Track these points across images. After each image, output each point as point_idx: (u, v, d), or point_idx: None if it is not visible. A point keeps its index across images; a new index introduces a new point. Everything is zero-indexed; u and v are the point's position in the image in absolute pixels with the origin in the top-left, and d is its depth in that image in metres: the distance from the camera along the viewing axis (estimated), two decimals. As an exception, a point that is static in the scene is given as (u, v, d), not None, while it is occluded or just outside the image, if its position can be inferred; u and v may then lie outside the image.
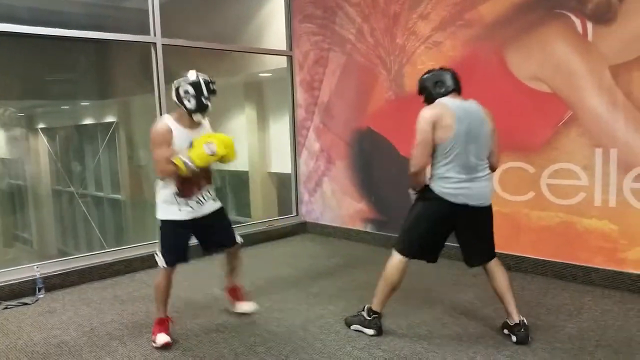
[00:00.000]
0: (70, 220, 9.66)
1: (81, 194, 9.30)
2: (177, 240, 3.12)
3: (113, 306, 3.78)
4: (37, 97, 8.68)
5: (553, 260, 4.10)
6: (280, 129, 7.02)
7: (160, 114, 4.94)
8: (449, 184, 2.88)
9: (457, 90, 3.01)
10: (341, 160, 5.61)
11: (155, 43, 4.84)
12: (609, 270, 3.82)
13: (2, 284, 4.00)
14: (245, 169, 8.25)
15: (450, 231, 3.05)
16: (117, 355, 2.99)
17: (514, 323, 2.98)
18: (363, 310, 3.18)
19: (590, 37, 3.76)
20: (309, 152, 6.04)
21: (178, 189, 3.05)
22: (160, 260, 3.09)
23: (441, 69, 3.07)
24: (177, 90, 3.01)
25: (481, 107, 2.99)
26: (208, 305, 3.74)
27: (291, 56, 6.05)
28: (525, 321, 2.99)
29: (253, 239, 5.66)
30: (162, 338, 3.07)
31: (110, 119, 8.90)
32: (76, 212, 9.32)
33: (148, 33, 4.83)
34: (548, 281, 4.04)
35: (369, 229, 5.46)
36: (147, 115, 5.13)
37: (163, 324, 3.15)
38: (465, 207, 2.90)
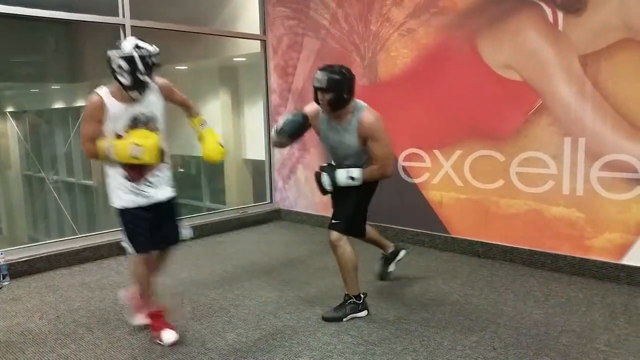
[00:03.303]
0: (41, 207, 9.46)
1: (52, 179, 9.10)
2: (141, 225, 2.85)
3: (80, 293, 3.72)
4: (4, 79, 8.42)
5: (522, 247, 4.17)
6: (254, 115, 6.96)
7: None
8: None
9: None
10: (315, 147, 5.58)
11: (124, 24, 4.72)
12: (575, 258, 3.90)
13: (-35, 271, 3.90)
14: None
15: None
16: (82, 342, 2.94)
17: (394, 247, 3.80)
18: (351, 299, 3.21)
19: (560, 26, 3.79)
20: (284, 138, 5.99)
21: (126, 172, 2.81)
22: (129, 247, 2.88)
23: (346, 69, 3.05)
24: (109, 63, 2.67)
25: None
26: (176, 292, 3.71)
27: (265, 41, 5.97)
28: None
29: (227, 226, 5.64)
30: (169, 336, 2.88)
31: (81, 102, 8.70)
32: (47, 198, 9.14)
33: (117, 14, 4.71)
34: (516, 268, 4.11)
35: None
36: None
37: (160, 317, 2.94)
38: None
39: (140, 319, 3.06)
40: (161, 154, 2.85)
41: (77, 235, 4.77)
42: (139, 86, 2.69)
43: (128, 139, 2.72)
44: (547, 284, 3.74)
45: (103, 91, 2.75)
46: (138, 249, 2.88)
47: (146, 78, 2.70)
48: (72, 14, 4.54)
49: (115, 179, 2.85)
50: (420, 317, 3.19)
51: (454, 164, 4.47)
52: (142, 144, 2.70)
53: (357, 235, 3.48)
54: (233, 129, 7.97)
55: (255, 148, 7.05)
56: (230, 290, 3.71)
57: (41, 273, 4.18)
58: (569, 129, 3.83)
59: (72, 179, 9.35)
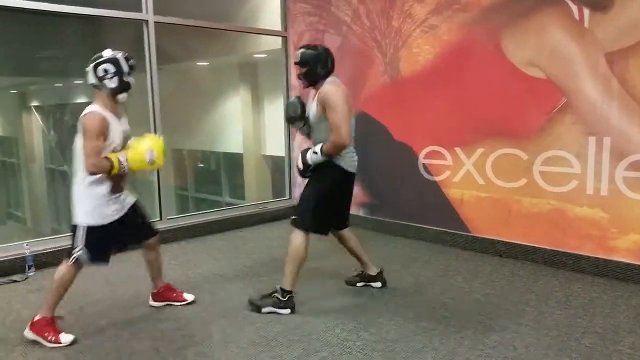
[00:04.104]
0: (65, 199, 9.62)
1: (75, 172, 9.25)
2: (106, 245, 2.94)
3: (102, 286, 3.78)
4: (30, 74, 8.57)
5: (544, 247, 4.12)
6: (274, 111, 6.98)
7: (152, 94, 4.89)
8: (351, 156, 3.24)
9: (332, 72, 3.23)
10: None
11: (147, 20, 4.77)
12: (598, 258, 3.84)
13: (-8, 261, 3.99)
14: (240, 151, 8.22)
15: (341, 201, 3.39)
16: (105, 333, 3.00)
17: (376, 272, 3.61)
18: (276, 292, 3.23)
19: (586, 23, 3.72)
20: (303, 134, 6.00)
21: (111, 185, 2.87)
22: (82, 254, 2.85)
23: (323, 47, 3.25)
24: (95, 70, 2.76)
25: None
26: (198, 286, 3.75)
27: (286, 37, 5.98)
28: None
29: (247, 221, 5.67)
30: (68, 337, 2.88)
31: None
32: (70, 191, 9.30)
33: (140, 10, 4.76)
34: (538, 268, 4.06)
35: (361, 213, 5.46)
36: (139, 94, 5.08)
37: (54, 323, 2.94)
38: (352, 176, 3.29)
39: (66, 337, 2.90)
40: None
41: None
42: (125, 88, 2.82)
43: (139, 147, 2.80)
44: (569, 284, 3.69)
45: (98, 108, 2.79)
46: (95, 261, 2.91)
47: (130, 79, 2.82)
48: (97, 9, 4.60)
49: (96, 196, 2.85)
50: (440, 316, 3.17)
51: (475, 162, 4.43)
52: (155, 148, 2.80)
53: (321, 233, 3.35)
54: (253, 125, 8.01)
55: (275, 144, 7.07)
56: (250, 285, 3.73)
57: (65, 265, 4.26)
58: (594, 127, 3.76)
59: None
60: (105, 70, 2.75)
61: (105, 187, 2.87)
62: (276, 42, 6.11)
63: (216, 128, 8.58)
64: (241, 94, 8.07)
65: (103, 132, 2.75)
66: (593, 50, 3.70)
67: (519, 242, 4.26)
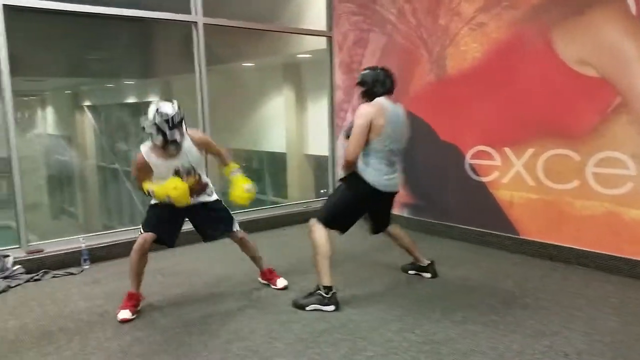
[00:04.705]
0: (115, 196, 9.94)
1: (125, 170, 9.55)
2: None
3: (155, 279, 3.90)
4: (83, 74, 8.90)
5: (597, 251, 3.98)
6: (318, 111, 7.00)
7: (201, 95, 5.01)
8: (378, 175, 3.30)
9: (391, 91, 3.37)
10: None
11: (196, 22, 4.88)
12: (656, 264, 3.69)
13: (50, 254, 4.19)
14: (283, 150, 8.30)
15: (365, 210, 3.56)
16: (156, 325, 3.09)
17: (427, 264, 3.83)
18: (319, 290, 3.29)
19: (646, 19, 3.58)
20: (347, 134, 6.01)
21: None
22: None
23: (382, 69, 3.41)
24: (143, 128, 3.13)
25: (403, 110, 3.42)
26: (244, 282, 3.81)
27: (330, 37, 6.00)
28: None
29: (290, 220, 5.72)
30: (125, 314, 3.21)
31: (152, 98, 9.09)
32: (120, 188, 9.60)
33: (189, 12, 4.87)
34: (590, 272, 3.93)
35: (405, 213, 5.43)
36: (188, 95, 5.21)
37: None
38: (384, 194, 3.37)
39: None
40: (199, 184, 3.41)
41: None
42: (171, 144, 3.14)
43: (163, 189, 3.16)
44: (623, 290, 3.56)
45: (145, 149, 3.24)
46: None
47: (174, 135, 3.11)
48: (147, 12, 4.74)
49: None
50: (488, 319, 3.12)
51: (525, 162, 4.32)
52: (172, 196, 3.14)
53: (338, 230, 3.47)
54: (296, 125, 8.07)
55: (318, 144, 7.10)
56: (295, 282, 3.77)
57: (118, 258, 4.42)
58: (652, 127, 3.62)
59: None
60: (151, 133, 3.12)
61: None
62: (320, 42, 6.14)
63: (260, 128, 8.69)
64: (285, 94, 8.14)
65: (142, 168, 3.24)
66: (652, 47, 3.55)
67: (570, 246, 4.13)
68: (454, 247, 4.74)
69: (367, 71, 3.43)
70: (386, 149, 3.27)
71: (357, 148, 3.23)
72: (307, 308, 3.28)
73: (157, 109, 3.08)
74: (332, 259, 3.35)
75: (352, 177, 3.35)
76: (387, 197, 3.50)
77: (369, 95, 3.36)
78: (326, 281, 3.29)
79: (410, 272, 3.95)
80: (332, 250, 3.34)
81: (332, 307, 3.26)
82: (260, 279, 3.81)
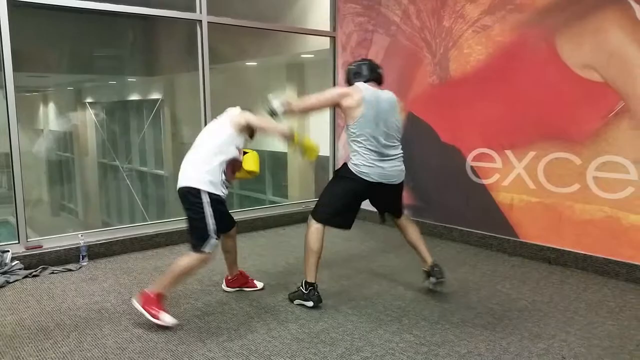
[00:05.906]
0: (115, 193, 9.95)
1: (126, 168, 9.56)
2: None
3: (152, 277, 3.90)
4: (85, 71, 8.92)
5: (596, 255, 3.98)
6: (319, 112, 6.99)
7: (204, 92, 5.02)
8: (364, 164, 3.22)
9: (373, 79, 3.37)
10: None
11: (200, 20, 4.89)
12: (655, 269, 3.69)
13: (49, 250, 4.19)
14: (284, 150, 8.30)
15: (360, 202, 3.41)
16: (154, 325, 3.08)
17: (429, 265, 3.48)
18: (301, 285, 3.33)
19: (649, 24, 3.58)
20: (349, 135, 6.01)
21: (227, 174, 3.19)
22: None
23: (362, 59, 3.49)
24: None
25: (394, 97, 3.37)
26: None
27: (334, 37, 6.01)
28: (436, 261, 3.51)
29: (290, 219, 5.73)
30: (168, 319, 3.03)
31: (155, 95, 9.09)
32: (121, 185, 9.61)
33: (194, 10, 4.88)
34: (589, 276, 3.93)
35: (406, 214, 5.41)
36: (191, 93, 5.22)
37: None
38: (378, 184, 3.26)
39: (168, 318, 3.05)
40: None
41: (147, 222, 5.00)
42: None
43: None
44: (622, 294, 3.56)
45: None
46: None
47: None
48: (152, 9, 4.75)
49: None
50: (485, 322, 3.12)
51: (526, 165, 4.32)
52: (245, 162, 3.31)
53: (338, 226, 3.40)
54: (297, 125, 8.06)
55: (319, 144, 7.09)
56: (292, 282, 3.77)
57: (116, 256, 4.43)
58: (654, 133, 3.61)
59: (144, 168, 9.78)
60: None
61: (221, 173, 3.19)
62: (324, 43, 6.14)
63: (262, 127, 8.67)
64: (287, 93, 8.14)
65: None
66: (655, 52, 3.55)
67: (569, 249, 4.13)
68: (454, 249, 4.73)
69: (349, 66, 3.49)
70: (370, 135, 3.18)
71: (307, 104, 3.37)
72: (294, 302, 3.37)
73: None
74: (330, 259, 3.35)
75: (344, 168, 3.35)
76: (388, 188, 3.35)
77: (349, 83, 3.41)
78: (309, 277, 3.33)
79: (425, 282, 3.59)
80: (321, 248, 3.32)
81: (310, 303, 3.30)
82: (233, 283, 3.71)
